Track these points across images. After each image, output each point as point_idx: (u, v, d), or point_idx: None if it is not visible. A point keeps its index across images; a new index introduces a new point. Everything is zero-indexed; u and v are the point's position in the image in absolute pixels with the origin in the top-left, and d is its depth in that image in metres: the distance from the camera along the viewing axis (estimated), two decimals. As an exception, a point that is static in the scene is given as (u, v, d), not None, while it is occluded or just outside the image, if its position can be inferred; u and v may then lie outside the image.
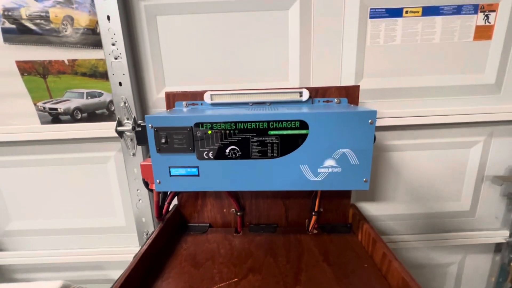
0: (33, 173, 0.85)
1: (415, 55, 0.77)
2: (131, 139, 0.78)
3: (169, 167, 0.57)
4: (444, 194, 0.90)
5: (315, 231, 0.76)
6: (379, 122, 0.79)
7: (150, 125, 0.54)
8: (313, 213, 0.75)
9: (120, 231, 0.91)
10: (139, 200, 0.84)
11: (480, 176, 0.88)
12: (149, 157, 0.57)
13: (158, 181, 0.58)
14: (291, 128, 0.53)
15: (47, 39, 0.69)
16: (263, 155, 0.55)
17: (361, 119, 0.52)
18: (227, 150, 0.55)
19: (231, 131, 0.54)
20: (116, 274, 0.95)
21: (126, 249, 0.91)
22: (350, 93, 0.70)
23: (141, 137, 0.58)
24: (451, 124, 0.81)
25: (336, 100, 0.70)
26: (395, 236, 0.92)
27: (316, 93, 0.70)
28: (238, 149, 0.55)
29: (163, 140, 0.54)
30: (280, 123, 0.53)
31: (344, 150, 0.54)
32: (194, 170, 0.57)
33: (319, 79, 0.78)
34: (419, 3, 0.73)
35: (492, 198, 0.91)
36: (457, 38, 0.76)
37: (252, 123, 0.53)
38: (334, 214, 0.78)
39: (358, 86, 0.70)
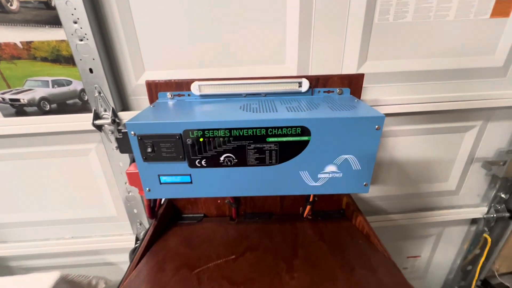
0: (11, 167, 0.78)
1: (426, 34, 0.69)
2: (112, 132, 0.70)
3: (159, 175, 0.52)
4: (433, 175, 0.92)
5: (309, 217, 0.78)
6: (380, 110, 0.75)
7: (132, 133, 0.47)
8: (308, 203, 0.75)
9: (111, 221, 0.89)
10: (129, 193, 0.80)
11: (470, 158, 0.89)
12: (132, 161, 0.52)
13: (147, 189, 0.54)
14: (291, 135, 0.48)
15: (-12, 15, 0.55)
16: (261, 162, 0.51)
17: (368, 125, 0.47)
18: (222, 158, 0.50)
19: (226, 139, 0.48)
20: (113, 257, 0.97)
21: (120, 237, 0.91)
22: (353, 83, 0.64)
23: (123, 145, 0.51)
24: (451, 110, 0.78)
25: (338, 90, 0.64)
26: (383, 215, 0.96)
27: (317, 82, 0.63)
28: (233, 156, 0.50)
29: (149, 149, 0.48)
30: (279, 129, 0.48)
31: (347, 156, 0.50)
32: (187, 177, 0.53)
33: (319, 62, 0.70)
34: (439, -28, 0.63)
35: (477, 177, 0.94)
36: (473, 15, 0.68)
37: (249, 130, 0.48)
38: (328, 203, 0.79)
39: (363, 75, 0.63)
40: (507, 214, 0.94)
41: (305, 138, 0.48)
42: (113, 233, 0.91)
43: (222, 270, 0.55)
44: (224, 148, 0.49)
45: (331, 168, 0.52)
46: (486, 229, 1.00)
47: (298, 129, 0.48)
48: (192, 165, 0.51)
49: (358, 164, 0.51)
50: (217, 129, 0.47)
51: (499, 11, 0.68)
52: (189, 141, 0.48)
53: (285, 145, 0.49)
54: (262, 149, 0.49)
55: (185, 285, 0.52)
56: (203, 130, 0.47)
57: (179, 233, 0.70)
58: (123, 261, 0.98)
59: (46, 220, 0.88)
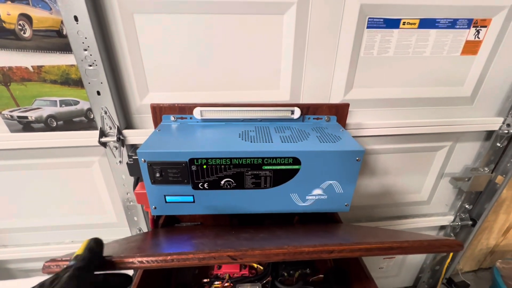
0: (11, 176, 0.81)
1: (405, 67, 0.77)
2: (116, 147, 0.75)
3: (165, 195, 0.58)
4: (408, 187, 1.02)
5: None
6: (363, 132, 0.83)
7: (143, 160, 0.53)
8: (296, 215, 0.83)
9: (112, 226, 0.94)
10: (130, 202, 0.85)
11: (441, 173, 1.00)
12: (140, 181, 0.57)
13: (154, 207, 0.60)
14: (284, 164, 0.55)
15: (3, 43, 0.58)
16: (257, 186, 0.58)
17: (350, 157, 0.55)
18: (222, 182, 0.57)
19: (227, 166, 0.55)
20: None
21: (120, 242, 0.96)
22: (340, 111, 0.71)
23: (133, 169, 0.57)
24: (425, 134, 0.87)
25: (326, 117, 0.71)
26: (364, 222, 1.06)
27: (307, 110, 0.70)
28: (232, 181, 0.57)
29: (157, 174, 0.54)
30: (274, 159, 0.55)
31: (331, 181, 0.58)
32: (190, 197, 0.59)
33: (310, 88, 0.77)
34: (418, 15, 0.70)
35: (446, 190, 1.05)
36: (446, 52, 0.76)
37: (247, 159, 0.54)
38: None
39: (348, 105, 0.71)
40: (470, 222, 1.07)
41: (296, 166, 0.56)
42: (112, 237, 0.96)
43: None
44: (224, 173, 0.56)
45: (317, 191, 0.59)
46: (452, 234, 1.12)
47: (290, 159, 0.55)
48: (195, 187, 0.57)
49: (341, 188, 0.59)
50: (220, 158, 0.54)
51: (468, 50, 0.77)
52: (194, 168, 0.54)
53: (279, 172, 0.56)
54: (258, 175, 0.56)
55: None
56: (207, 159, 0.54)
57: (177, 229, 0.76)
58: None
59: (48, 226, 0.91)
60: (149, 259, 0.31)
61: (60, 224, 0.91)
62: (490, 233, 1.27)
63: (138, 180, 0.64)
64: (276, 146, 0.56)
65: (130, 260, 0.31)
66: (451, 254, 1.15)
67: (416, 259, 1.27)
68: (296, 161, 0.55)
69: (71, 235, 0.94)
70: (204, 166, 0.55)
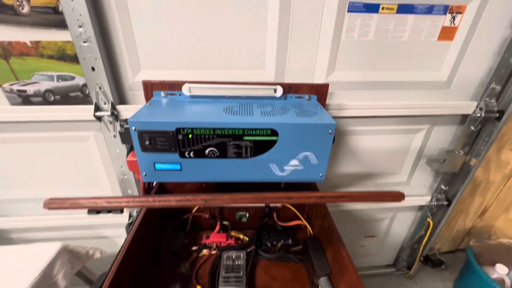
0: (9, 149, 0.86)
1: (384, 51, 0.82)
2: (111, 122, 0.80)
3: (154, 163, 0.63)
4: (388, 169, 1.08)
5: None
6: (344, 113, 0.88)
7: (133, 128, 0.58)
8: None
9: (107, 199, 1.00)
10: (124, 176, 0.91)
11: (419, 155, 1.06)
12: (133, 150, 0.62)
13: (144, 173, 0.65)
14: (263, 135, 0.61)
15: (2, 17, 0.62)
16: (238, 155, 0.63)
17: (323, 130, 0.61)
18: (206, 151, 0.62)
19: (210, 136, 0.60)
20: (107, 232, 1.09)
21: (115, 214, 1.02)
22: (320, 91, 0.76)
23: (125, 137, 0.62)
24: (404, 116, 0.92)
25: (307, 96, 0.76)
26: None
27: (290, 89, 0.75)
28: (216, 150, 0.62)
29: (147, 142, 0.59)
30: (254, 130, 0.60)
31: (306, 153, 0.64)
32: (177, 165, 0.64)
33: (294, 69, 0.82)
34: (396, 0, 0.74)
35: (424, 172, 1.11)
36: (424, 38, 0.81)
37: (229, 130, 0.59)
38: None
39: (328, 85, 0.76)
40: (446, 202, 1.13)
41: (274, 138, 0.61)
42: (108, 210, 1.02)
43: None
44: (208, 143, 0.61)
45: (294, 162, 0.65)
46: (429, 214, 1.19)
47: (268, 131, 0.60)
48: (182, 155, 0.62)
49: (316, 159, 0.65)
50: (204, 128, 0.59)
51: (444, 36, 0.81)
52: (180, 137, 0.60)
53: (258, 143, 0.61)
54: (240, 145, 0.62)
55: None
56: (192, 129, 0.59)
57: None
58: (116, 235, 1.10)
59: (47, 197, 0.97)
60: (135, 199, 0.37)
61: (57, 195, 0.97)
62: (467, 215, 1.35)
63: (131, 149, 0.70)
64: (256, 119, 0.61)
65: (119, 200, 0.37)
66: (428, 233, 1.22)
67: (396, 239, 1.34)
68: (274, 132, 0.60)
69: (69, 206, 1.00)
70: (190, 136, 0.60)
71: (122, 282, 0.60)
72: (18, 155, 0.87)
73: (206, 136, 0.60)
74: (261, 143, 0.61)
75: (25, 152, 0.87)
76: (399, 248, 1.38)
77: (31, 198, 0.97)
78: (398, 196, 0.40)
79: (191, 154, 0.62)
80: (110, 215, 1.02)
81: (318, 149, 0.63)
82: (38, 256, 0.85)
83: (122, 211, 0.40)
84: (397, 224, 1.27)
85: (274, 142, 0.62)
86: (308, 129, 0.60)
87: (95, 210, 0.40)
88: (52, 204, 0.35)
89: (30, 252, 0.87)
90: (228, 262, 0.81)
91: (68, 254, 0.91)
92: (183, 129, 0.59)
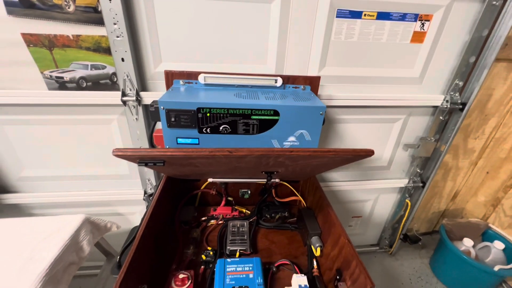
0: (42, 130, 0.97)
1: (366, 51, 0.97)
2: (134, 106, 0.93)
3: (177, 138, 0.77)
4: (372, 154, 1.24)
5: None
6: (333, 102, 1.04)
7: (162, 107, 0.71)
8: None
9: (124, 178, 1.12)
10: (142, 155, 1.03)
11: (398, 142, 1.22)
12: (153, 128, 0.75)
13: (167, 147, 0.78)
14: (267, 115, 0.75)
15: (51, 14, 0.74)
16: (246, 132, 0.77)
17: (315, 111, 0.75)
18: (221, 128, 0.76)
19: (224, 115, 0.74)
20: (122, 209, 1.21)
21: (131, 191, 1.14)
22: (313, 82, 0.91)
23: (154, 115, 0.75)
24: (384, 106, 1.08)
25: (302, 87, 0.91)
26: (333, 182, 1.28)
27: (288, 80, 0.90)
28: (228, 127, 0.76)
29: (172, 119, 0.73)
30: (259, 111, 0.74)
31: (302, 131, 0.78)
32: (195, 140, 0.78)
33: (291, 64, 0.97)
34: (376, 9, 0.90)
35: (403, 157, 1.28)
36: (399, 40, 0.97)
37: (240, 110, 0.73)
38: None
39: (319, 77, 0.91)
40: (421, 184, 1.30)
41: (276, 117, 0.75)
42: (124, 188, 1.15)
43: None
44: (222, 121, 0.75)
45: (291, 138, 0.79)
46: (407, 195, 1.36)
47: (272, 111, 0.74)
48: (200, 131, 0.76)
49: (309, 136, 0.79)
50: (220, 108, 0.73)
51: (416, 39, 0.98)
52: (200, 115, 0.73)
53: (263, 121, 0.76)
54: (248, 123, 0.76)
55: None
56: (210, 108, 0.72)
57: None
58: (130, 212, 1.22)
59: (70, 176, 1.09)
60: (174, 150, 0.50)
61: (80, 174, 1.09)
62: (441, 198, 1.53)
63: (153, 128, 0.83)
64: (262, 102, 0.76)
65: (165, 151, 0.50)
66: (406, 213, 1.39)
67: (379, 220, 1.50)
68: (276, 113, 0.75)
69: (89, 184, 1.12)
70: (208, 114, 0.73)
71: (148, 236, 0.73)
72: (49, 136, 0.99)
73: (221, 115, 0.74)
74: (265, 121, 0.76)
75: (54, 134, 0.99)
76: (382, 228, 1.55)
77: (54, 176, 1.08)
78: (369, 152, 0.55)
79: (208, 130, 0.76)
80: (126, 191, 1.14)
81: (311, 127, 0.78)
82: (66, 225, 0.97)
83: (164, 163, 0.52)
84: (380, 206, 1.43)
85: (276, 121, 0.76)
86: (303, 110, 0.75)
87: (144, 162, 0.52)
88: (118, 152, 0.48)
89: (58, 222, 0.98)
90: (233, 229, 0.94)
91: (90, 225, 1.03)
92: (203, 108, 0.72)
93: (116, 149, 0.49)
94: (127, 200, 1.16)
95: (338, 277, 0.72)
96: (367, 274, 0.59)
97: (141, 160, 0.53)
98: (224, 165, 0.64)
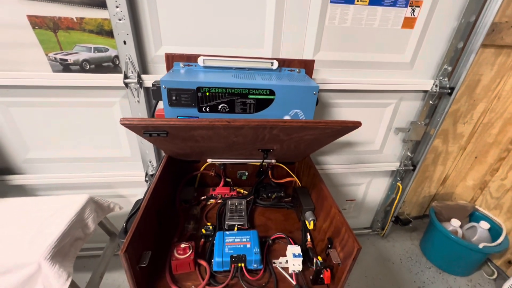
0: (47, 112, 1.00)
1: (359, 36, 1.01)
2: (136, 89, 0.96)
3: (178, 116, 0.81)
4: (364, 138, 1.29)
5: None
6: (327, 86, 1.08)
7: (164, 86, 0.75)
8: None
9: (126, 160, 1.16)
10: (143, 137, 1.07)
11: (390, 127, 1.27)
12: (155, 107, 0.79)
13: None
14: (263, 94, 0.79)
15: (56, -3, 0.77)
16: (244, 111, 0.81)
17: (308, 91, 0.80)
18: (219, 107, 0.80)
19: (223, 94, 0.78)
20: (124, 191, 1.25)
21: (132, 173, 1.19)
22: (308, 65, 0.95)
23: (156, 94, 0.79)
24: (376, 90, 1.13)
25: (297, 70, 0.95)
26: (328, 165, 1.33)
27: (283, 63, 0.94)
28: (226, 106, 0.80)
29: (173, 98, 0.77)
30: (256, 90, 0.78)
31: (296, 110, 0.83)
32: (195, 118, 0.82)
33: (287, 48, 1.00)
34: (368, -6, 0.94)
35: (395, 142, 1.33)
36: (390, 25, 1.01)
37: (238, 89, 0.78)
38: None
39: (313, 61, 0.94)
40: (412, 167, 1.36)
41: (272, 97, 0.79)
42: (126, 170, 1.19)
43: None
44: (221, 100, 0.79)
45: (287, 117, 0.84)
46: (398, 179, 1.42)
47: (267, 91, 0.78)
48: (200, 110, 0.80)
49: (303, 115, 0.84)
50: (219, 87, 0.77)
51: (407, 24, 1.02)
52: (199, 94, 0.77)
53: (259, 101, 0.80)
54: (245, 102, 0.80)
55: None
56: (210, 88, 0.76)
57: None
58: (132, 194, 1.26)
59: (73, 158, 1.12)
60: (177, 121, 0.54)
61: (84, 156, 1.13)
62: (431, 182, 1.59)
63: (155, 107, 0.87)
64: (258, 82, 0.80)
65: (168, 121, 0.54)
66: (398, 196, 1.44)
67: (372, 203, 1.56)
68: (272, 92, 0.79)
69: (92, 166, 1.16)
70: (207, 93, 0.77)
71: (152, 209, 0.78)
72: (52, 118, 1.02)
73: (220, 94, 0.78)
74: (261, 101, 0.80)
75: (58, 116, 1.02)
76: (375, 212, 1.61)
77: (58, 158, 1.12)
78: (357, 123, 0.60)
79: (207, 109, 0.80)
80: (128, 173, 1.18)
81: (305, 107, 0.82)
82: (71, 203, 1.01)
83: (167, 134, 0.56)
84: (372, 189, 1.49)
85: (272, 100, 0.80)
86: (298, 90, 0.79)
87: (149, 132, 0.56)
88: (125, 121, 0.52)
89: (64, 200, 1.03)
90: (232, 207, 0.99)
91: (94, 204, 1.07)
92: (202, 87, 0.76)
93: (123, 118, 0.53)
94: (129, 181, 1.20)
95: (329, 245, 0.77)
96: (355, 237, 0.64)
97: (146, 130, 0.57)
98: (223, 139, 0.69)
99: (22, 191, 1.16)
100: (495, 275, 1.41)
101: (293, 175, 1.10)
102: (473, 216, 1.51)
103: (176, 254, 0.76)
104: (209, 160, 1.02)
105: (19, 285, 0.81)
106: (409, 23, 1.01)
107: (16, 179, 1.11)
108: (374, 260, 1.50)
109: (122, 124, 0.53)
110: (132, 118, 0.53)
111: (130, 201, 1.29)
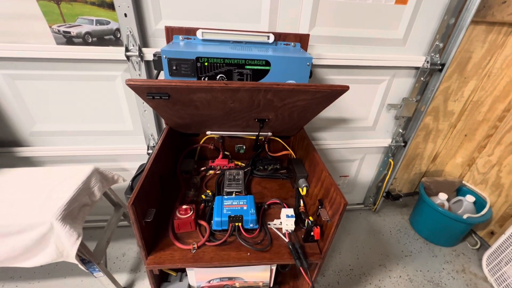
0: (51, 86, 1.04)
1: (353, 11, 1.04)
2: (137, 62, 1.00)
3: (178, 86, 0.85)
4: (358, 115, 1.34)
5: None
6: (322, 62, 1.11)
7: (164, 56, 0.79)
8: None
9: (128, 134, 1.21)
10: (145, 111, 1.12)
11: (382, 103, 1.32)
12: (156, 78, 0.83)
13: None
14: (259, 65, 0.83)
15: (58, -32, 0.79)
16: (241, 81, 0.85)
17: (302, 62, 0.83)
18: (217, 77, 0.84)
19: (221, 64, 0.82)
20: (126, 164, 1.31)
21: (135, 146, 1.24)
22: (303, 39, 0.98)
23: (157, 64, 0.83)
24: (370, 66, 1.16)
25: (292, 44, 0.98)
26: (323, 141, 1.39)
27: (279, 37, 0.97)
28: (224, 76, 0.84)
29: (174, 67, 0.81)
30: (253, 61, 0.82)
31: (291, 81, 0.87)
32: (195, 89, 0.86)
33: (283, 23, 1.03)
34: (362, -31, 0.96)
35: (387, 118, 1.38)
36: (384, 1, 1.03)
37: (235, 60, 0.81)
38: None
39: (309, 34, 0.98)
40: (403, 144, 1.41)
41: (267, 67, 0.83)
42: (128, 143, 1.24)
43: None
44: (219, 70, 0.83)
45: (282, 88, 0.88)
46: (390, 155, 1.48)
47: (263, 62, 0.82)
48: (198, 79, 0.84)
49: (297, 87, 0.88)
50: (217, 58, 0.80)
51: (400, 0, 1.04)
52: (198, 64, 0.81)
53: (256, 71, 0.84)
54: (242, 73, 0.84)
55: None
56: (208, 58, 0.80)
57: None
58: (135, 167, 1.31)
59: (78, 131, 1.17)
60: (178, 82, 0.58)
61: (88, 129, 1.17)
62: (422, 159, 1.65)
63: (157, 76, 0.91)
64: (254, 53, 0.83)
65: (167, 82, 0.59)
66: (389, 172, 1.51)
67: (365, 180, 1.63)
68: (267, 63, 0.83)
69: (96, 139, 1.21)
70: (206, 64, 0.81)
71: (155, 173, 0.84)
72: (56, 92, 1.06)
73: (218, 64, 0.82)
74: (258, 71, 0.84)
75: (62, 89, 1.06)
76: (367, 188, 1.68)
77: (63, 131, 1.17)
78: (345, 87, 0.65)
79: (206, 79, 0.84)
80: (130, 146, 1.23)
81: (299, 78, 0.86)
82: (78, 172, 1.07)
83: (168, 97, 0.60)
84: (365, 166, 1.55)
85: (267, 71, 0.84)
86: (292, 61, 0.83)
87: (152, 94, 0.60)
88: (130, 82, 0.57)
89: (71, 170, 1.08)
90: (230, 176, 1.05)
91: (99, 175, 1.13)
92: (201, 58, 0.80)
93: (128, 79, 0.57)
94: (131, 154, 1.25)
95: (319, 206, 0.83)
96: (342, 194, 0.71)
97: (149, 91, 0.61)
98: (221, 105, 0.73)
99: (29, 163, 1.21)
100: (478, 245, 1.50)
101: (288, 148, 1.15)
102: (460, 191, 1.58)
103: (178, 214, 0.83)
104: (208, 133, 1.07)
105: (33, 243, 0.88)
106: (402, -2, 1.04)
107: (23, 151, 1.16)
108: (365, 233, 1.59)
109: (127, 84, 0.57)
110: (136, 79, 0.57)
111: (133, 174, 1.34)
